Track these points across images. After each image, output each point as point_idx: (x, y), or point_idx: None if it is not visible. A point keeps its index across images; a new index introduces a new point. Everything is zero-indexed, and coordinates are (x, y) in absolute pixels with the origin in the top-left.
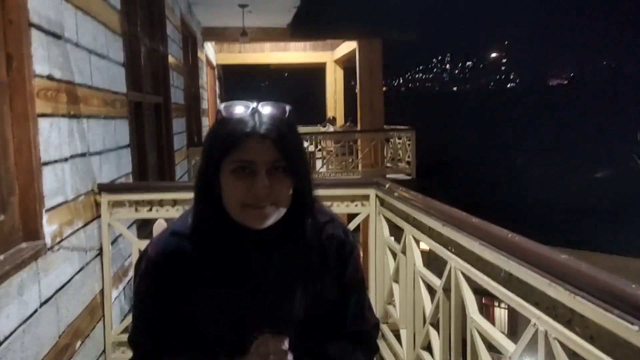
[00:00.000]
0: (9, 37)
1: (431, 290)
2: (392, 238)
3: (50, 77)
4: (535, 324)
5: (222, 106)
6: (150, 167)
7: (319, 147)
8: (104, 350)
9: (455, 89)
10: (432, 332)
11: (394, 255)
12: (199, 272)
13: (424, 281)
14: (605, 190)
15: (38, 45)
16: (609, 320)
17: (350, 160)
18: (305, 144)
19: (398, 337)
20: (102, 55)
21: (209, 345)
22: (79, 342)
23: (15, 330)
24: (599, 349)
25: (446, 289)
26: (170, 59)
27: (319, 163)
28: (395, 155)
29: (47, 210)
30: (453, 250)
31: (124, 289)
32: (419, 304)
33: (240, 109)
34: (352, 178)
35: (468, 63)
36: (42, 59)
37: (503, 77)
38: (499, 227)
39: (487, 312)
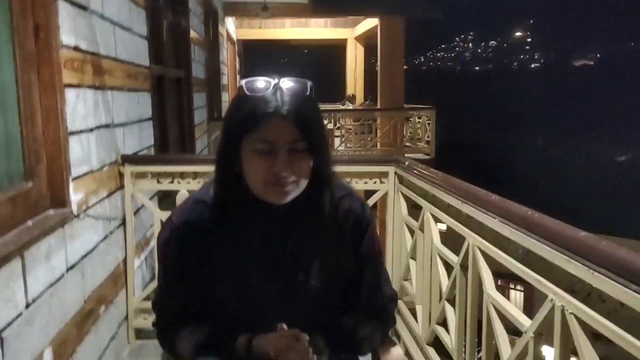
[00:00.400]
0: (37, 7)
1: (448, 267)
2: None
3: (76, 48)
4: (552, 299)
5: (243, 82)
6: (171, 141)
7: (338, 125)
8: (126, 317)
9: (477, 68)
10: (448, 308)
11: (412, 232)
12: (220, 241)
13: (441, 258)
14: (627, 173)
15: (65, 16)
16: (627, 296)
17: (369, 138)
18: (324, 122)
19: (414, 313)
20: (126, 28)
21: (230, 317)
22: (102, 308)
23: (43, 293)
24: (616, 324)
25: (463, 266)
26: (192, 33)
27: (337, 141)
28: (414, 134)
29: (73, 179)
30: (471, 227)
31: (145, 258)
32: (436, 280)
33: (261, 85)
34: (371, 155)
35: (491, 42)
36: (69, 30)
37: (527, 57)
38: (518, 205)
39: (502, 294)
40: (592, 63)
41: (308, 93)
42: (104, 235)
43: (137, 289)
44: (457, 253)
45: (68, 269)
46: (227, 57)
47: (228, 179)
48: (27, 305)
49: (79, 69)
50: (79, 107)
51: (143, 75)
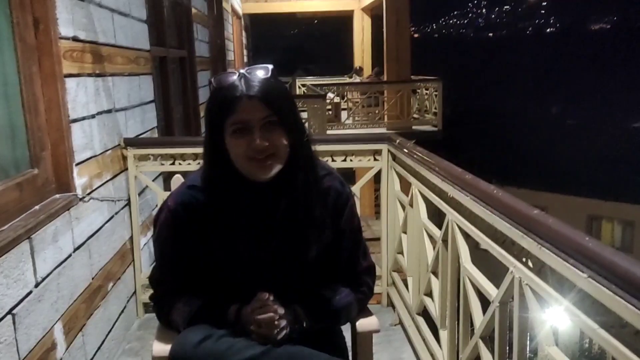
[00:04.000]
0: (35, 2)
1: (433, 241)
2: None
3: (75, 39)
4: (512, 272)
5: (212, 79)
6: (176, 121)
7: (345, 98)
8: (134, 292)
9: (490, 35)
10: (433, 280)
11: (403, 207)
12: (212, 219)
13: (427, 232)
14: None
15: (62, 8)
16: (567, 270)
17: (376, 111)
18: (331, 95)
19: (407, 284)
20: (125, 14)
21: (224, 288)
22: (110, 284)
23: (51, 272)
24: (560, 293)
25: (444, 240)
26: (194, 11)
27: (344, 114)
28: (422, 106)
29: (77, 164)
30: (451, 204)
31: (152, 236)
32: (424, 253)
33: (227, 77)
34: (366, 133)
35: (505, 7)
36: (67, 21)
37: (542, 21)
38: (487, 183)
39: None
40: (609, 26)
41: (270, 74)
42: (110, 216)
43: (144, 265)
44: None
45: (75, 249)
46: (233, 32)
47: (216, 165)
48: (37, 284)
49: (78, 59)
50: (80, 95)
51: (144, 59)
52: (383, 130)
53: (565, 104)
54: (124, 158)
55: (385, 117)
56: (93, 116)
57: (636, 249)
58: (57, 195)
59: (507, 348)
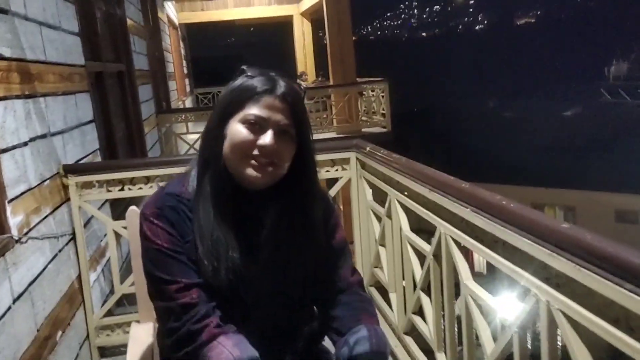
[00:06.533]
0: None
1: (420, 255)
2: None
3: None
4: (535, 294)
5: (245, 67)
6: (118, 141)
7: None
8: (87, 337)
9: (424, 34)
10: (424, 298)
11: (379, 219)
12: (196, 226)
13: (412, 246)
14: (575, 127)
15: None
16: (619, 295)
17: (324, 116)
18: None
19: (387, 300)
20: (54, 27)
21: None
22: (59, 333)
23: None
24: (607, 321)
25: (436, 255)
26: (130, 23)
27: None
28: (369, 108)
29: (10, 201)
30: (442, 215)
31: (102, 270)
32: (408, 268)
33: (268, 71)
34: (329, 142)
35: (435, 6)
36: None
37: (471, 19)
38: (489, 191)
39: (465, 255)
40: (534, 20)
41: (300, 93)
42: (53, 255)
43: (95, 305)
44: (428, 233)
45: (15, 300)
46: (171, 43)
47: (213, 155)
48: None
49: (3, 80)
50: (8, 120)
51: (79, 75)
52: (333, 134)
53: (501, 97)
54: (65, 187)
55: (334, 121)
56: (25, 143)
57: None
58: None
59: None
